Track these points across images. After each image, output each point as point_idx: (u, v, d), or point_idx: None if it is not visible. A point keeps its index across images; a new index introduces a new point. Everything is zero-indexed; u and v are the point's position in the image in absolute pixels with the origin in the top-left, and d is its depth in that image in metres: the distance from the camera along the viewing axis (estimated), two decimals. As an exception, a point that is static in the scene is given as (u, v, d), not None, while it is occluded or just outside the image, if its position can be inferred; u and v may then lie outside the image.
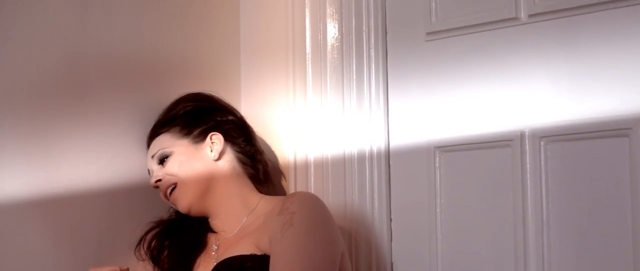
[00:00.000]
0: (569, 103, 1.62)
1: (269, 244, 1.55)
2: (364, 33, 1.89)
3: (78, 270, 1.56)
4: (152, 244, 1.72)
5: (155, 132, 1.77)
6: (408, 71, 1.85)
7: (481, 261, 1.73)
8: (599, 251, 1.57)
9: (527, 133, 1.67)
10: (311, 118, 1.90)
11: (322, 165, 1.87)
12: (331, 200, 1.84)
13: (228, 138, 1.76)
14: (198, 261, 1.68)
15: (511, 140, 1.68)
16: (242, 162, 1.76)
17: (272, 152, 1.96)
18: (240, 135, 1.78)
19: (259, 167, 1.80)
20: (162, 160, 1.73)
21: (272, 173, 1.89)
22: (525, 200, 1.66)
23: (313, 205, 1.58)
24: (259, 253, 1.57)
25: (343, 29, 1.89)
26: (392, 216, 1.86)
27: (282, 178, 1.95)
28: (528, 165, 1.66)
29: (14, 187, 1.58)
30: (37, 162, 1.62)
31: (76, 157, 1.69)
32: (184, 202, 1.71)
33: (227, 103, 1.83)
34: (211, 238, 1.73)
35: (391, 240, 1.86)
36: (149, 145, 1.78)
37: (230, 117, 1.79)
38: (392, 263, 1.86)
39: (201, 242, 1.72)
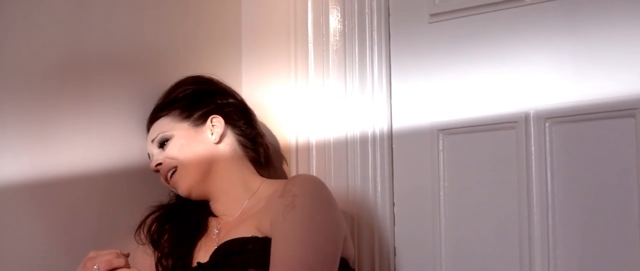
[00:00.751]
0: (574, 84, 1.60)
1: (270, 227, 1.53)
2: (367, 15, 1.87)
3: (77, 254, 1.54)
4: (153, 228, 1.70)
5: (155, 116, 1.75)
6: (411, 53, 1.83)
7: (485, 245, 1.71)
8: (605, 234, 1.55)
9: (532, 114, 1.65)
10: (313, 101, 1.88)
11: (324, 149, 1.85)
12: (333, 184, 1.82)
13: (229, 121, 1.74)
14: (199, 244, 1.66)
15: (516, 122, 1.66)
16: (243, 145, 1.75)
17: (273, 135, 1.94)
18: (240, 117, 1.76)
19: (260, 150, 1.78)
20: (163, 144, 1.71)
21: (273, 156, 1.88)
22: (529, 183, 1.64)
23: (315, 187, 1.56)
24: (260, 235, 1.55)
25: (345, 11, 1.87)
26: (394, 201, 1.84)
27: (284, 162, 1.93)
28: (533, 147, 1.63)
29: (13, 171, 1.57)
30: (37, 146, 1.61)
31: (75, 141, 1.68)
32: (185, 185, 1.69)
33: (227, 86, 1.81)
34: (212, 222, 1.71)
35: (394, 225, 1.84)
36: (148, 129, 1.76)
37: (231, 100, 1.77)
38: (395, 248, 1.84)
39: (202, 226, 1.70)
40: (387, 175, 1.84)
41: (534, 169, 1.63)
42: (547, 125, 1.63)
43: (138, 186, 1.77)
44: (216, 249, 1.57)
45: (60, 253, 1.62)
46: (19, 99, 1.58)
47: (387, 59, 1.86)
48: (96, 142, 1.72)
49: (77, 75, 1.69)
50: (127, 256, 1.52)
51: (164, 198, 1.76)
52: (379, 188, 1.84)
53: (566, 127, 1.61)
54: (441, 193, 1.77)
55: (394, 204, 1.85)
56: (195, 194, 1.71)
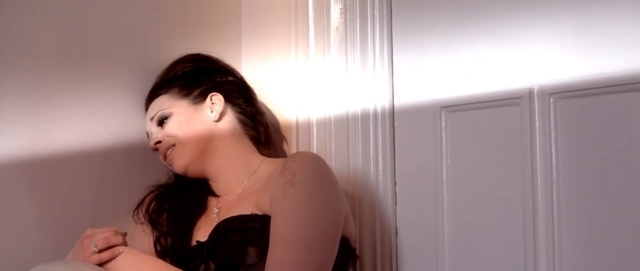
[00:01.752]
0: (579, 59, 1.57)
1: (269, 204, 1.51)
2: (368, -9, 1.85)
3: (75, 232, 1.52)
4: (151, 207, 1.68)
5: (153, 94, 1.73)
6: (413, 29, 1.80)
7: (489, 224, 1.68)
8: (612, 210, 1.52)
9: (536, 90, 1.61)
10: (314, 79, 1.86)
11: (325, 127, 1.83)
12: (334, 163, 1.80)
13: (228, 99, 1.72)
14: (198, 223, 1.64)
15: (520, 98, 1.63)
16: (243, 123, 1.72)
17: (273, 114, 1.92)
18: (240, 95, 1.74)
19: (260, 129, 1.76)
20: (161, 122, 1.69)
21: (273, 135, 1.86)
22: (534, 160, 1.60)
23: (315, 164, 1.54)
24: (259, 213, 1.53)
25: (346, -13, 1.85)
26: (396, 180, 1.82)
27: (284, 141, 1.91)
28: (537, 124, 1.60)
29: (11, 148, 1.56)
30: (34, 123, 1.60)
31: (73, 118, 1.66)
32: (181, 162, 1.67)
33: (227, 64, 1.78)
34: (212, 201, 1.69)
35: (395, 204, 1.81)
36: (147, 108, 1.74)
37: (230, 78, 1.75)
38: (396, 228, 1.81)
39: (202, 205, 1.68)
40: (389, 153, 1.81)
41: (538, 145, 1.60)
42: (551, 100, 1.60)
43: (136, 164, 1.76)
44: (215, 227, 1.55)
45: (57, 231, 1.60)
46: (16, 77, 1.57)
47: (389, 36, 1.84)
48: (94, 119, 1.70)
49: (76, 53, 1.67)
50: (124, 235, 1.50)
51: (163, 177, 1.74)
52: (380, 167, 1.81)
53: (571, 102, 1.58)
54: (444, 172, 1.75)
55: (395, 183, 1.82)
56: (192, 172, 1.68)
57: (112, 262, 1.45)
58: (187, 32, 1.89)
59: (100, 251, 1.45)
